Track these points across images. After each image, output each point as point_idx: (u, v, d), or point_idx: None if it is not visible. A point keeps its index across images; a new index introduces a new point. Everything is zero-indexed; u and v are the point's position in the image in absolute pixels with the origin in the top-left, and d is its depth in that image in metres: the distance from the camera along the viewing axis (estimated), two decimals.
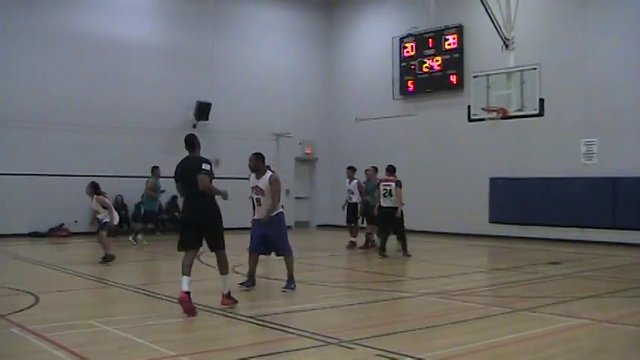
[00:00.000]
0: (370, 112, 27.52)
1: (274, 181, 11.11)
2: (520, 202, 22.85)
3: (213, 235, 9.83)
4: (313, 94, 29.79)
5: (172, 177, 9.96)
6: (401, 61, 26.88)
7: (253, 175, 11.32)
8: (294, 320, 9.13)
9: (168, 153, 24.77)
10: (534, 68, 17.76)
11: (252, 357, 7.06)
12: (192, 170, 9.62)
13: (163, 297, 10.75)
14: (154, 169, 20.61)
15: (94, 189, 15.49)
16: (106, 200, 15.93)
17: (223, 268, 9.90)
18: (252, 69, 27.69)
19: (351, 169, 19.74)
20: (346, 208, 19.69)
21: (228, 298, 9.89)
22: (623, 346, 7.77)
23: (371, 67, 28.30)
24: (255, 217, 11.46)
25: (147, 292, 11.27)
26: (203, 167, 9.60)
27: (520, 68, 18.04)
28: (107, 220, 15.48)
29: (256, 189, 11.23)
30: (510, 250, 19.75)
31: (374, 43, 28.29)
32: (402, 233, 17.43)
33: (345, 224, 20.11)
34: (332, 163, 29.52)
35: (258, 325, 8.65)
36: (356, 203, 19.37)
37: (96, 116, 23.57)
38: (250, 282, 11.55)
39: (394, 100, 27.04)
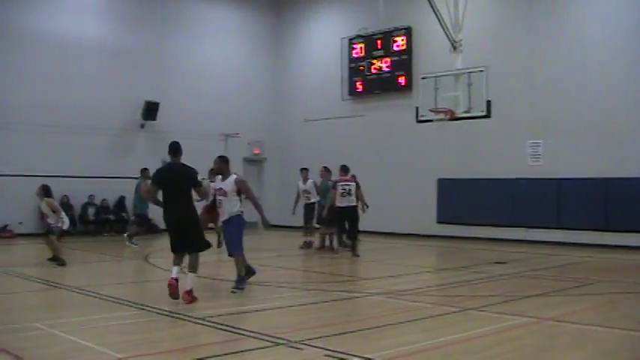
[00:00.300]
0: (319, 113, 27.57)
1: (241, 182, 11.43)
2: (467, 202, 23.09)
3: (195, 236, 10.54)
4: (262, 95, 29.71)
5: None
6: (350, 62, 26.97)
7: (219, 178, 11.52)
8: (243, 321, 9.10)
9: (115, 153, 24.70)
10: (482, 70, 17.91)
11: (202, 358, 7.00)
12: (183, 178, 10.56)
13: (111, 299, 10.63)
14: (144, 170, 19.92)
15: (45, 191, 15.06)
16: (56, 204, 15.54)
17: (193, 267, 10.50)
18: (200, 69, 27.52)
19: (307, 170, 19.74)
20: (304, 208, 19.71)
21: (189, 295, 10.15)
22: (567, 344, 7.90)
23: (320, 67, 28.33)
24: (222, 219, 11.62)
25: (94, 294, 11.11)
26: (199, 179, 10.84)
27: (468, 70, 18.19)
28: (57, 224, 15.03)
29: (220, 191, 11.39)
30: (458, 250, 19.94)
31: (323, 43, 28.33)
32: (355, 233, 17.61)
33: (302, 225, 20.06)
34: (280, 164, 29.50)
35: (207, 326, 8.59)
36: (313, 203, 19.43)
37: (41, 115, 23.14)
38: (249, 273, 11.91)
39: (343, 100, 27.10)
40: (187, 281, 10.28)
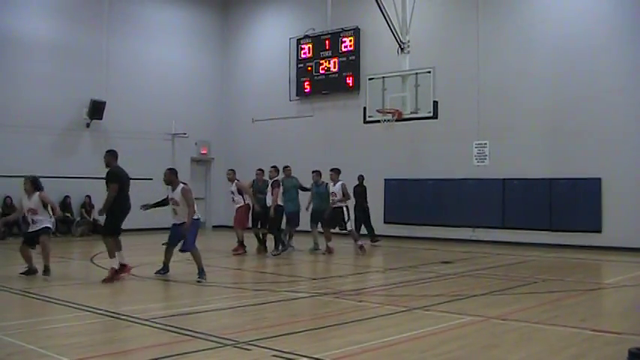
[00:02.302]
0: (267, 113, 27.54)
1: (185, 192, 12.82)
2: (414, 202, 23.24)
3: None
4: (210, 94, 29.55)
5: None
6: (298, 63, 26.97)
7: (170, 188, 13.03)
8: (191, 322, 9.00)
9: (60, 152, 24.27)
10: (429, 71, 18.07)
11: None
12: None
13: (56, 301, 10.46)
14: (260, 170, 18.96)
15: (37, 184, 13.19)
16: (50, 198, 13.58)
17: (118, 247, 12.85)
18: (148, 68, 27.22)
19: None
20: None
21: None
22: (512, 341, 7.99)
23: (268, 67, 28.28)
24: (174, 221, 13.15)
25: (38, 296, 10.92)
26: None
27: (415, 71, 18.35)
28: (49, 224, 13.19)
29: (172, 200, 12.96)
30: (404, 250, 20.05)
31: (271, 43, 28.28)
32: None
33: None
34: (228, 164, 29.27)
35: (153, 327, 8.50)
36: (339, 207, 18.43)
37: None
38: (165, 270, 13.32)
39: (291, 101, 27.10)
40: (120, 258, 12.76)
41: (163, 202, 13.54)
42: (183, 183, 13.07)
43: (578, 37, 20.43)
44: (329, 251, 18.24)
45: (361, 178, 21.54)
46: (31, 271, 13.20)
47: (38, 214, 13.04)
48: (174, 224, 13.15)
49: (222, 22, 30.22)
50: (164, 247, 13.46)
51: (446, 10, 23.41)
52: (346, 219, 18.29)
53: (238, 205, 18.23)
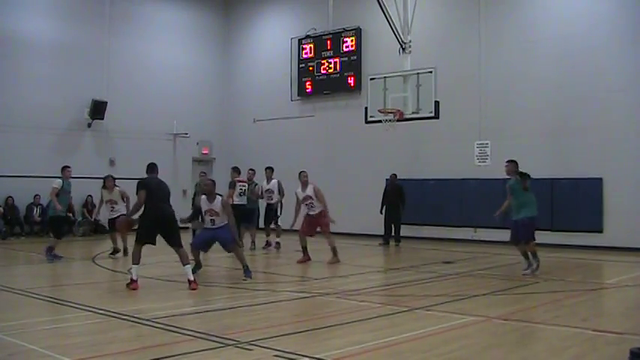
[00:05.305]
0: (268, 113, 27.53)
1: (226, 204, 13.14)
2: (415, 202, 23.17)
3: (176, 233, 12.09)
4: (211, 94, 29.56)
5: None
6: (299, 63, 26.96)
7: (205, 198, 13.05)
8: (192, 322, 9.01)
9: (62, 152, 24.22)
10: (430, 72, 18.08)
11: None
12: (166, 189, 12.37)
13: (57, 301, 10.46)
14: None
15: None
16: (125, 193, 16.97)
17: (185, 259, 11.98)
18: (149, 68, 27.24)
19: (271, 169, 19.73)
20: (265, 208, 19.99)
21: (195, 283, 11.74)
22: (513, 341, 7.99)
23: (269, 68, 28.26)
24: (206, 226, 13.35)
25: (40, 296, 10.93)
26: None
27: (416, 71, 18.34)
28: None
29: (210, 212, 13.00)
30: (405, 250, 20.05)
31: (272, 44, 28.28)
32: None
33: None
34: (229, 164, 29.25)
35: (155, 327, 8.50)
36: (275, 203, 19.60)
37: None
38: (198, 267, 13.59)
39: (292, 101, 27.09)
40: (187, 272, 11.81)
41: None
42: (219, 195, 13.82)
43: (579, 37, 20.43)
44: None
45: (393, 176, 21.68)
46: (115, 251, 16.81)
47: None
48: (205, 228, 14.10)
49: (224, 22, 30.22)
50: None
51: (447, 10, 23.41)
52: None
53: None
